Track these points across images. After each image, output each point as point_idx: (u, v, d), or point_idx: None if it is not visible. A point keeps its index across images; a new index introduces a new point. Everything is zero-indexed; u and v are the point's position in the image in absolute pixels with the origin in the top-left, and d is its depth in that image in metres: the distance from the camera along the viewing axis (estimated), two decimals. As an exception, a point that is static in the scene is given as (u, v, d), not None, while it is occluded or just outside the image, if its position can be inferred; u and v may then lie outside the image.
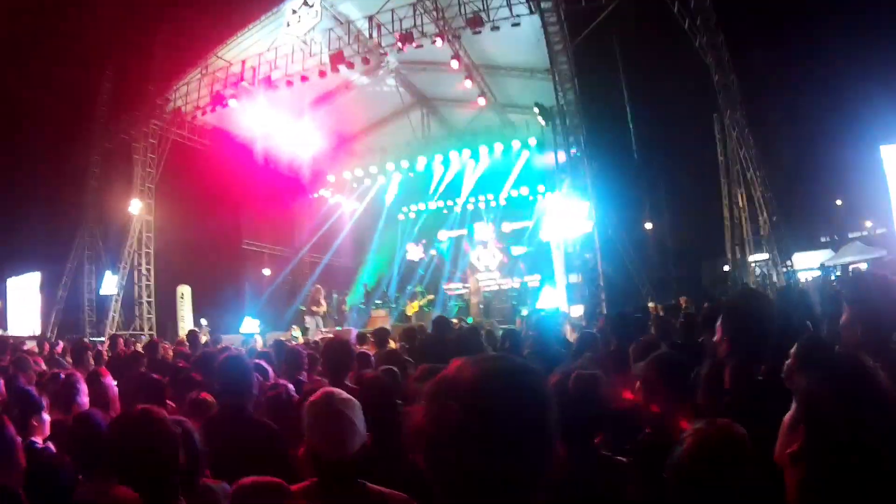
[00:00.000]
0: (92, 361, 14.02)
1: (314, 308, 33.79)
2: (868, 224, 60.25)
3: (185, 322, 35.70)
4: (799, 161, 52.27)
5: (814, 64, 54.05)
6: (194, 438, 5.16)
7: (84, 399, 7.70)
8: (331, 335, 25.27)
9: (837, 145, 50.99)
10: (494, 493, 2.18)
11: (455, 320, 27.45)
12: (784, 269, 30.74)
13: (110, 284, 36.61)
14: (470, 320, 29.96)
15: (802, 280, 32.73)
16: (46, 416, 6.88)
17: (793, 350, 5.82)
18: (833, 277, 34.31)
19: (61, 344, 21.84)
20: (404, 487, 4.68)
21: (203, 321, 34.35)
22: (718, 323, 5.15)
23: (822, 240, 61.25)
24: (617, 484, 4.79)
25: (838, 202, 64.60)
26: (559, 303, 31.37)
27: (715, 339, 5.09)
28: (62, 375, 8.23)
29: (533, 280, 41.78)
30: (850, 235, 58.71)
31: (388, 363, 9.27)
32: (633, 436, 5.64)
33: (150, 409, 4.86)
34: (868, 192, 46.65)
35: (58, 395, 7.71)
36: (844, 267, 39.84)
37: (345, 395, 4.72)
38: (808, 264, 41.63)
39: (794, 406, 3.00)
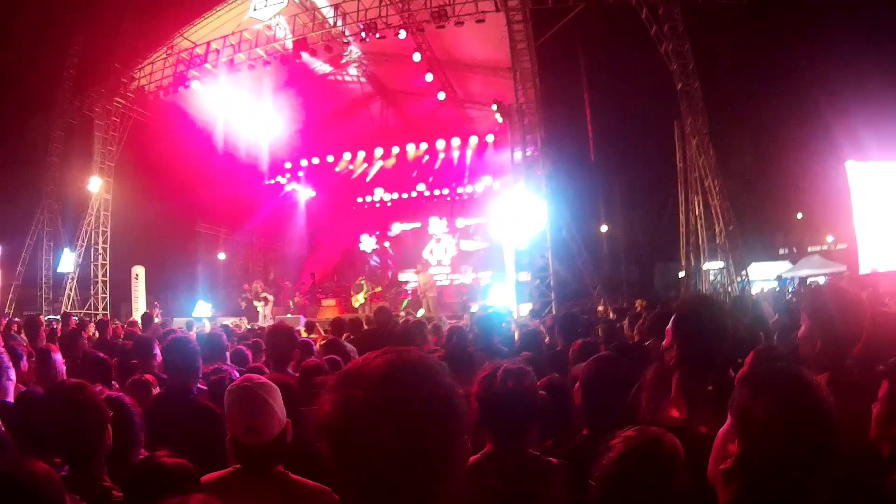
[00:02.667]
0: (44, 338, 13.93)
1: (256, 300, 33.92)
2: (829, 239, 60.57)
3: (139, 303, 35.44)
4: (761, 170, 52.56)
5: (781, 77, 54.36)
6: (131, 416, 5.11)
7: (12, 375, 7.57)
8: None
9: (801, 158, 51.13)
10: (396, 487, 2.18)
11: (403, 313, 27.45)
12: (739, 279, 30.82)
13: (67, 262, 36.40)
14: (420, 313, 29.98)
15: (757, 290, 32.82)
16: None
17: (748, 360, 5.84)
18: (790, 290, 34.48)
19: (17, 321, 21.64)
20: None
21: (156, 304, 34.25)
22: (668, 327, 4.98)
23: (781, 251, 61.52)
24: (545, 484, 4.75)
25: (799, 215, 64.86)
26: (509, 300, 31.40)
27: (664, 343, 5.02)
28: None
29: (485, 276, 41.83)
30: (810, 249, 59.05)
31: (331, 353, 9.21)
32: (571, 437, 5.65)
33: (80, 384, 4.85)
34: (830, 207, 46.80)
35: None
36: (802, 279, 40.10)
37: (264, 380, 4.71)
38: (765, 275, 41.76)
39: (728, 420, 2.95)
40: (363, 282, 39.76)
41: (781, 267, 47.35)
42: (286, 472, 4.55)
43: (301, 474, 4.59)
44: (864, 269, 33.61)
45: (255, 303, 34.95)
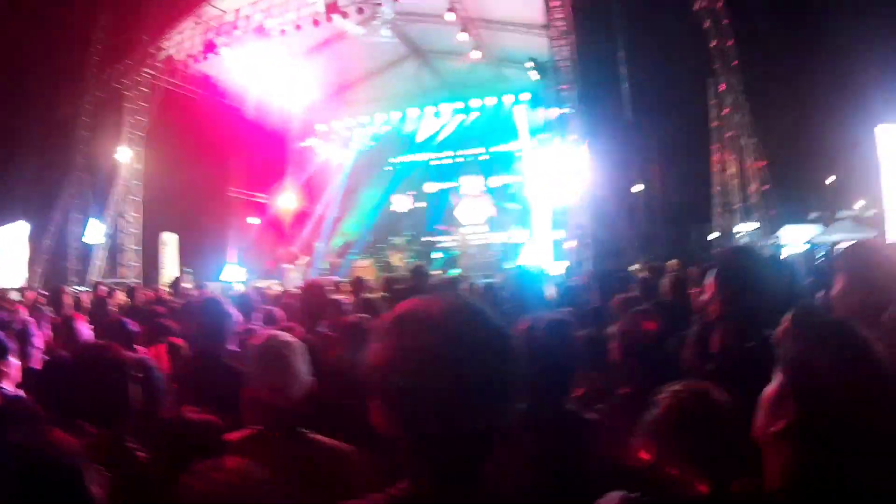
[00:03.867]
0: (70, 307, 13.94)
1: (289, 265, 34.07)
2: (859, 204, 60.23)
3: (168, 270, 35.57)
4: (792, 134, 52.21)
5: (814, 37, 53.93)
6: (155, 378, 5.03)
7: (38, 345, 7.54)
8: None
9: (833, 122, 50.65)
10: (451, 433, 2.14)
11: (438, 272, 27.44)
12: (772, 241, 30.68)
13: (95, 232, 36.59)
14: (454, 273, 29.99)
15: (788, 253, 32.65)
16: (15, 361, 6.72)
17: (787, 316, 5.70)
18: (820, 254, 34.36)
19: (43, 293, 21.77)
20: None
21: (188, 270, 34.32)
22: (709, 280, 4.86)
23: (812, 216, 61.22)
24: (584, 439, 4.64)
25: (830, 179, 64.51)
26: (544, 259, 31.37)
27: (704, 297, 4.87)
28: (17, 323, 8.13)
29: (519, 235, 41.64)
30: (840, 213, 58.74)
31: (364, 311, 9.14)
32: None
33: (103, 346, 4.80)
34: (861, 172, 46.42)
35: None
36: (833, 245, 39.92)
37: (288, 338, 4.67)
38: (796, 238, 41.55)
39: (778, 377, 2.80)
40: (405, 239, 39.89)
41: (812, 231, 47.10)
42: (308, 432, 4.46)
43: (324, 434, 4.50)
44: (892, 236, 33.32)
45: (286, 266, 35.04)
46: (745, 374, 3.51)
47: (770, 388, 2.83)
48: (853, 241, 6.14)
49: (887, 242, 33.18)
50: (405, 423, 2.18)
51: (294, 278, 32.65)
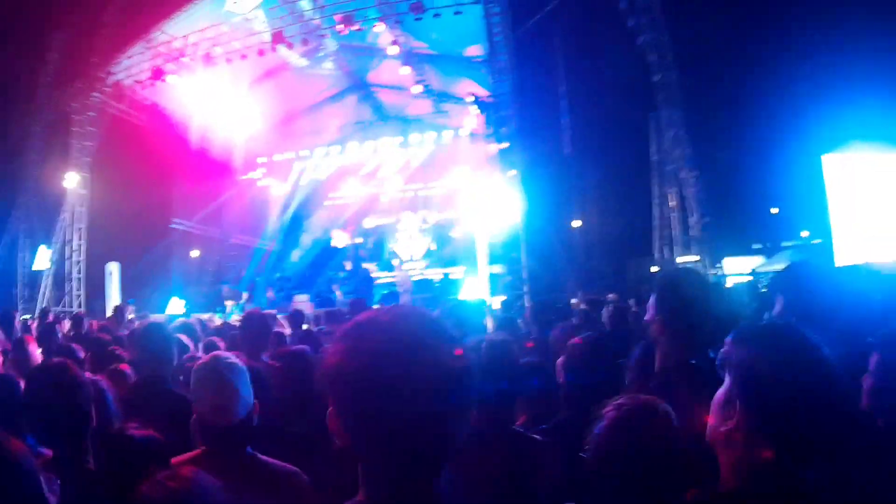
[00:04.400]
0: (19, 332, 13.91)
1: (230, 300, 34.05)
2: (804, 234, 60.68)
3: (113, 300, 35.24)
4: (736, 165, 52.62)
5: (757, 69, 54.46)
6: (108, 399, 5.05)
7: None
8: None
9: (776, 153, 51.19)
10: (403, 441, 2.14)
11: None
12: (714, 272, 30.90)
13: (43, 259, 36.30)
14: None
15: (730, 284, 32.88)
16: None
17: (728, 338, 5.79)
18: (764, 284, 34.55)
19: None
20: (329, 461, 4.60)
21: (131, 301, 34.11)
22: (651, 301, 4.95)
23: (755, 247, 61.57)
24: (531, 460, 4.68)
25: (774, 210, 64.95)
26: (482, 293, 31.47)
27: (646, 317, 4.95)
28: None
29: (457, 271, 41.78)
30: (784, 244, 59.13)
31: (303, 343, 9.17)
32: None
33: (66, 362, 4.77)
34: (805, 202, 46.83)
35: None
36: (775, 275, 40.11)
37: (232, 359, 4.69)
38: (738, 269, 41.78)
39: (727, 381, 2.92)
40: (342, 275, 39.93)
41: (755, 262, 47.44)
42: (254, 454, 4.52)
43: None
44: (840, 264, 33.69)
45: (227, 302, 35.01)
46: (687, 391, 3.59)
47: (720, 392, 2.96)
48: (788, 264, 6.27)
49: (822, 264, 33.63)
50: (356, 427, 2.19)
51: (234, 312, 32.64)
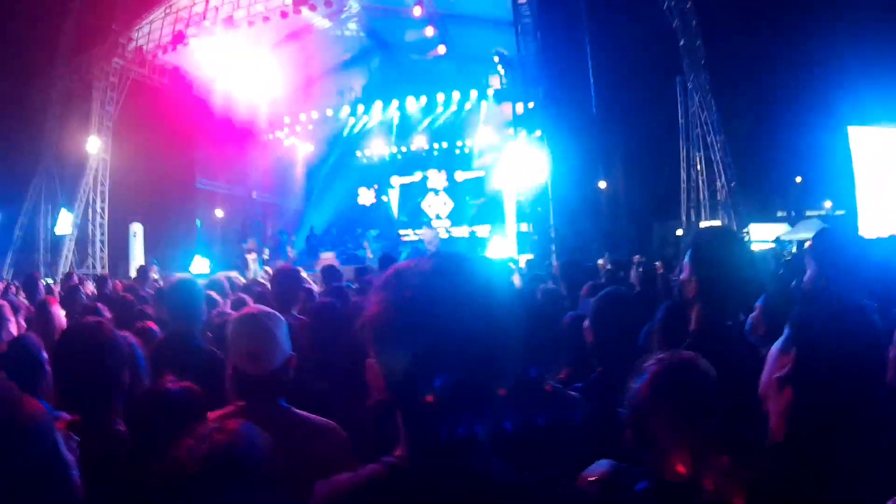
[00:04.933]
0: (44, 294, 13.89)
1: (250, 255, 34.05)
2: (828, 204, 60.46)
3: (137, 261, 35.34)
4: (761, 133, 52.38)
5: (786, 37, 54.10)
6: (138, 356, 4.97)
7: (12, 329, 7.52)
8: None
9: (801, 123, 51.03)
10: (447, 388, 2.06)
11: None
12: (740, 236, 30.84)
13: (65, 224, 36.39)
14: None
15: (756, 249, 32.78)
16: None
17: (758, 303, 5.72)
18: (788, 252, 34.38)
19: (14, 283, 21.58)
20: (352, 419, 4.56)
21: (155, 261, 34.13)
22: (685, 260, 4.77)
23: (779, 214, 61.32)
24: (567, 416, 4.62)
25: (798, 179, 64.73)
26: (509, 252, 31.43)
27: (682, 277, 4.86)
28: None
29: (483, 230, 41.75)
30: (808, 213, 58.90)
31: (334, 298, 9.09)
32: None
33: (100, 322, 4.70)
34: (830, 172, 46.69)
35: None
36: (800, 243, 40.00)
37: (269, 309, 4.60)
38: (763, 236, 41.61)
39: (785, 333, 2.92)
40: (374, 233, 40.02)
41: (779, 229, 47.26)
42: (290, 407, 4.41)
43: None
44: (865, 235, 33.44)
45: (249, 257, 35.04)
46: (721, 353, 3.54)
47: (777, 344, 2.97)
48: (821, 228, 6.24)
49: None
50: (397, 375, 2.11)
51: (256, 270, 32.64)
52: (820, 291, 3.86)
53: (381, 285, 2.20)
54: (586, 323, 5.62)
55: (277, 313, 4.54)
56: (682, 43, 30.96)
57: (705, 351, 3.43)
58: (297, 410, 4.38)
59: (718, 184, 32.37)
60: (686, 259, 4.71)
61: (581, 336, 5.90)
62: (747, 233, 31.73)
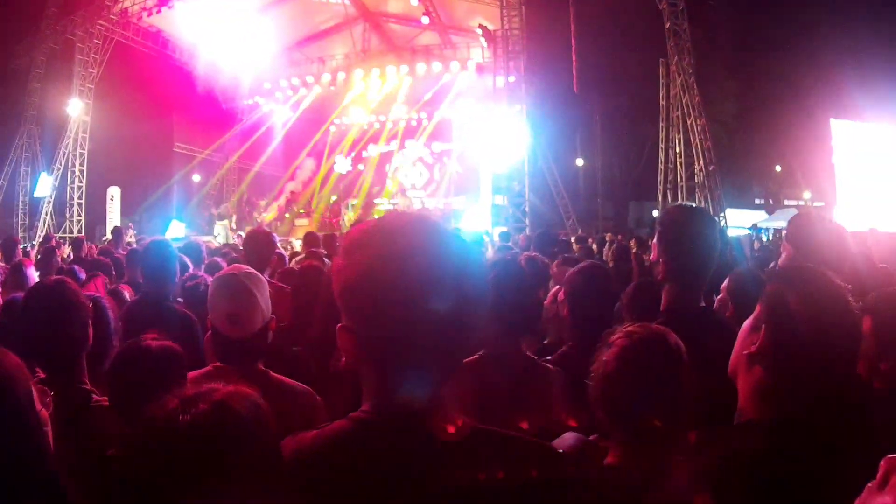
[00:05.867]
0: (21, 257, 13.91)
1: (220, 221, 34.08)
2: (806, 195, 60.72)
3: (113, 224, 35.25)
4: (741, 121, 52.61)
5: (774, 26, 54.27)
6: (107, 317, 4.93)
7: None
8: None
9: (783, 112, 51.24)
10: (414, 343, 2.10)
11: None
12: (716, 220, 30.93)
13: (44, 186, 36.34)
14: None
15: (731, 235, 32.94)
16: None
17: (724, 284, 5.74)
18: (764, 239, 34.48)
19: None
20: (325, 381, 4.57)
21: (130, 225, 34.06)
22: (654, 240, 4.80)
23: (757, 202, 61.59)
24: (541, 386, 4.63)
25: (778, 168, 64.95)
26: (483, 224, 31.51)
27: (651, 258, 4.85)
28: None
29: (458, 201, 41.78)
30: (786, 202, 59.16)
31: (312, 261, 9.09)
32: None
33: (61, 281, 4.66)
34: (810, 163, 46.96)
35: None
36: (777, 230, 40.14)
37: (250, 270, 4.54)
38: (739, 222, 41.80)
39: (756, 310, 2.93)
40: (350, 202, 40.11)
41: (757, 216, 47.49)
42: (267, 371, 4.39)
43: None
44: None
45: (218, 222, 35.07)
46: (693, 332, 3.55)
47: (748, 321, 3.00)
48: (798, 213, 6.26)
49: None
50: (364, 332, 2.15)
51: (227, 235, 32.66)
52: (792, 268, 3.85)
53: (348, 244, 2.22)
54: (561, 295, 5.61)
55: (259, 274, 4.51)
56: (668, 25, 30.98)
57: (676, 329, 3.43)
58: (274, 374, 4.37)
59: (697, 167, 32.42)
60: (654, 238, 4.71)
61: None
62: (723, 217, 31.79)
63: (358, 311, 2.15)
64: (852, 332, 2.84)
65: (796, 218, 5.82)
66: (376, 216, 37.12)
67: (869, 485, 2.07)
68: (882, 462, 2.04)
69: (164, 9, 32.53)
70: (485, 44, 33.46)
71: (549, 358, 5.09)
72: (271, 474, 2.18)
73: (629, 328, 3.36)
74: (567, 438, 3.47)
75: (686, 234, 4.46)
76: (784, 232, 5.91)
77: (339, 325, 2.20)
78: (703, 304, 4.54)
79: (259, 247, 8.48)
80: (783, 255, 5.39)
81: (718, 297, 5.60)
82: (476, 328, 2.24)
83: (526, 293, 4.67)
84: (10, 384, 2.68)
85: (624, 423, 3.22)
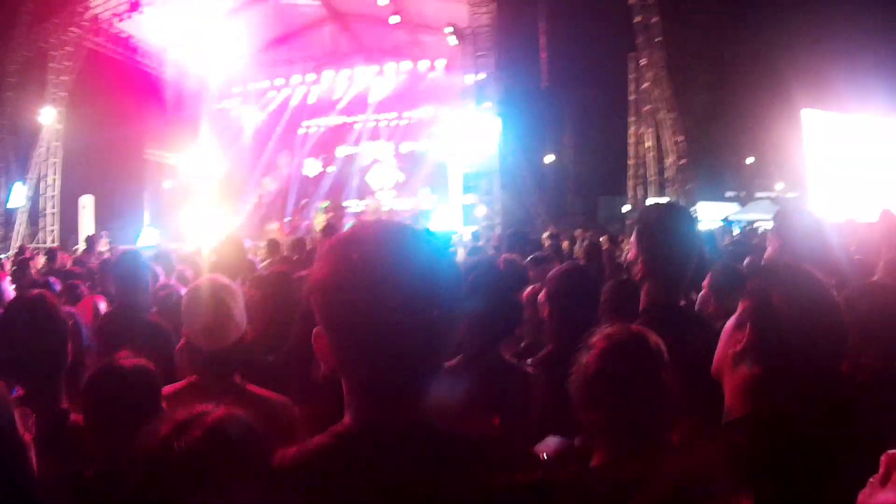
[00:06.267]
0: (-4, 270, 13.88)
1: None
2: (779, 186, 60.97)
3: (87, 233, 35.14)
4: (712, 113, 52.78)
5: (743, 17, 54.48)
6: (81, 332, 4.89)
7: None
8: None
9: (754, 103, 51.35)
10: (392, 353, 2.10)
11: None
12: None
13: (18, 196, 36.08)
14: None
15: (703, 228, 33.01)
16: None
17: (706, 281, 5.73)
18: (736, 231, 34.65)
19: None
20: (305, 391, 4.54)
21: (104, 233, 34.00)
22: (632, 238, 4.71)
23: (728, 194, 61.81)
24: (522, 390, 4.60)
25: (749, 159, 65.20)
26: (453, 224, 31.56)
27: (629, 256, 4.83)
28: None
29: (428, 201, 41.86)
30: (758, 195, 59.38)
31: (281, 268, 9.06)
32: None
33: (40, 295, 4.59)
34: (781, 155, 47.16)
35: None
36: (749, 223, 40.32)
37: (225, 281, 4.49)
38: (711, 216, 41.96)
39: (739, 308, 2.91)
40: (321, 205, 40.10)
41: (729, 209, 47.69)
42: (244, 383, 4.33)
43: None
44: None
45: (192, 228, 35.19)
46: (674, 331, 3.53)
47: (731, 319, 2.98)
48: (783, 207, 6.33)
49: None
50: (343, 341, 2.15)
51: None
52: (775, 265, 3.86)
53: (325, 251, 2.21)
54: (541, 297, 5.58)
55: (233, 285, 4.47)
56: (638, 19, 31.07)
57: (657, 328, 3.41)
58: (251, 386, 4.33)
59: (667, 161, 32.51)
60: (632, 237, 4.68)
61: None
62: (695, 211, 31.88)
63: (334, 318, 2.15)
64: (837, 328, 2.81)
65: (782, 211, 5.85)
66: (346, 220, 37.28)
67: (871, 480, 2.06)
68: (882, 458, 2.04)
69: (134, 14, 32.40)
70: (454, 42, 33.44)
71: (528, 361, 5.07)
72: (262, 495, 2.16)
73: (608, 330, 3.35)
74: (550, 442, 3.45)
75: (665, 232, 4.43)
76: (771, 225, 5.91)
77: (315, 329, 2.20)
78: (682, 301, 4.53)
79: (231, 254, 8.42)
80: (769, 249, 5.39)
81: (701, 293, 5.60)
82: (453, 334, 2.24)
83: (505, 295, 4.66)
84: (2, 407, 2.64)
85: (607, 425, 3.21)
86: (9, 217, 36.33)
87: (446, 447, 2.17)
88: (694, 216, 5.19)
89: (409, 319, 2.06)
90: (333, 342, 2.16)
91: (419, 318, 2.08)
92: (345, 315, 2.10)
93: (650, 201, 35.01)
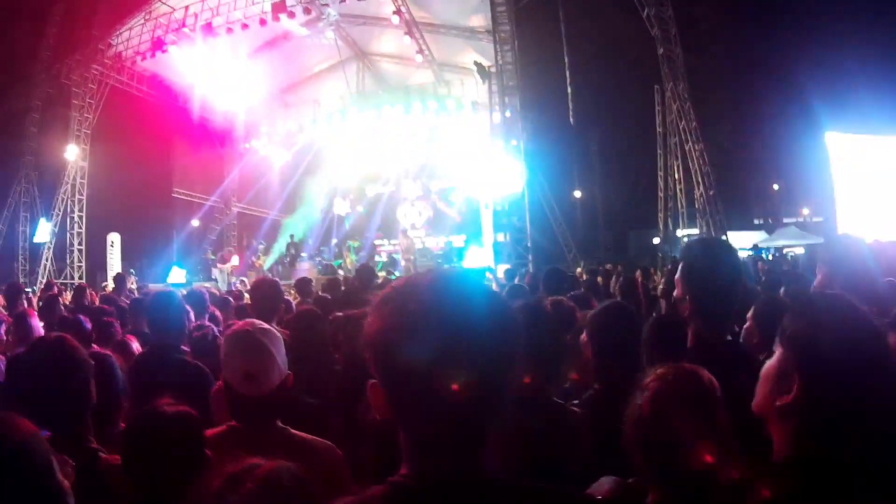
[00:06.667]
0: (25, 304, 13.79)
1: (220, 265, 34.14)
2: (805, 211, 60.82)
3: (115, 270, 35.23)
4: (738, 141, 52.74)
5: (765, 45, 54.49)
6: (115, 375, 4.82)
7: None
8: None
9: (779, 130, 51.50)
10: (451, 407, 2.02)
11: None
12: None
13: (44, 232, 36.40)
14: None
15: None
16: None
17: (750, 313, 5.65)
18: (766, 258, 34.48)
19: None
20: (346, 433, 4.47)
21: (132, 271, 34.07)
22: (678, 276, 4.64)
23: (756, 222, 61.69)
24: (569, 431, 4.53)
25: (775, 186, 65.13)
26: (486, 262, 31.51)
27: (675, 294, 4.75)
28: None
29: (458, 239, 41.83)
30: (786, 220, 59.25)
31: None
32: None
33: (60, 337, 4.53)
34: (806, 179, 47.15)
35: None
36: (778, 249, 40.13)
37: (266, 326, 4.35)
38: (740, 244, 41.83)
39: (779, 353, 2.81)
40: (354, 243, 40.13)
41: (757, 237, 47.55)
42: (286, 427, 4.21)
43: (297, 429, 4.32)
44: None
45: (220, 266, 35.14)
46: (724, 368, 3.46)
47: (770, 364, 2.85)
48: (833, 235, 6.32)
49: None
50: (401, 394, 2.08)
51: (221, 281, 32.73)
52: (816, 297, 3.76)
53: (380, 301, 2.15)
54: (584, 337, 5.51)
55: (274, 330, 4.39)
56: (661, 52, 31.06)
57: (706, 365, 3.35)
58: (293, 431, 4.25)
59: (697, 193, 32.43)
60: (678, 275, 4.61)
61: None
62: (725, 240, 31.86)
63: (391, 372, 2.08)
64: (890, 372, 2.66)
65: (826, 243, 5.86)
66: (377, 259, 37.32)
67: None
68: None
69: (157, 53, 32.52)
70: (480, 80, 33.46)
71: (575, 402, 5.00)
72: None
73: (661, 370, 3.27)
74: (605, 482, 3.39)
75: (710, 269, 4.38)
76: (820, 255, 5.88)
77: (371, 381, 2.13)
78: (729, 338, 4.47)
79: (266, 296, 8.33)
80: (819, 277, 5.33)
81: (745, 325, 5.52)
82: (513, 384, 2.16)
83: (553, 338, 4.59)
84: (26, 455, 2.58)
85: (663, 465, 3.13)
86: (35, 252, 36.63)
87: (505, 500, 2.12)
88: (735, 249, 5.11)
89: (471, 375, 1.99)
90: (390, 396, 2.10)
91: (480, 373, 2.01)
92: (403, 370, 2.03)
93: (681, 233, 34.99)
